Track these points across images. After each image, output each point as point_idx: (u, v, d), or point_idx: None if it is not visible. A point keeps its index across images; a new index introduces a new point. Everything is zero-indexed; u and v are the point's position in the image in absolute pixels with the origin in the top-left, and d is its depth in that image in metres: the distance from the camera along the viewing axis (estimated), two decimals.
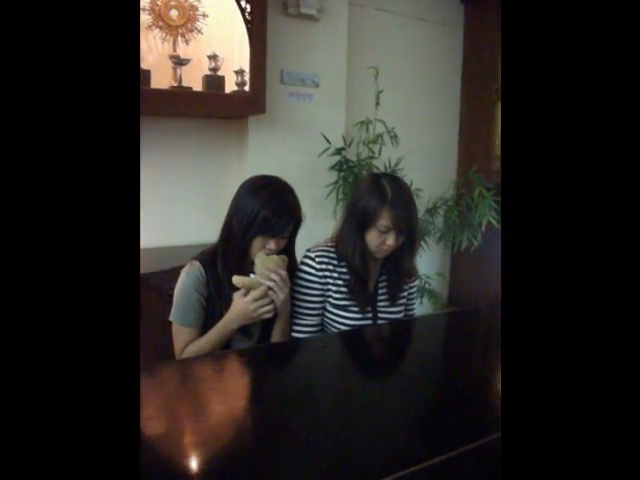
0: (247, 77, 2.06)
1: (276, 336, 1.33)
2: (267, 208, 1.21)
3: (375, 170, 2.40)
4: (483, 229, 2.16)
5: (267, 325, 1.31)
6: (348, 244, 1.28)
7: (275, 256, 1.23)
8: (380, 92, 2.36)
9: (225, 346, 1.29)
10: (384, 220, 1.23)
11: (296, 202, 1.29)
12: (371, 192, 1.26)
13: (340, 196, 2.41)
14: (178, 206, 2.30)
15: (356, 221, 1.27)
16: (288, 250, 1.32)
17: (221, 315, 1.27)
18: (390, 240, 1.24)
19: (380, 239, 1.25)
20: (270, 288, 1.19)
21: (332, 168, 2.41)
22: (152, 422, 0.76)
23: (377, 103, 2.38)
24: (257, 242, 1.24)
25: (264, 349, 1.26)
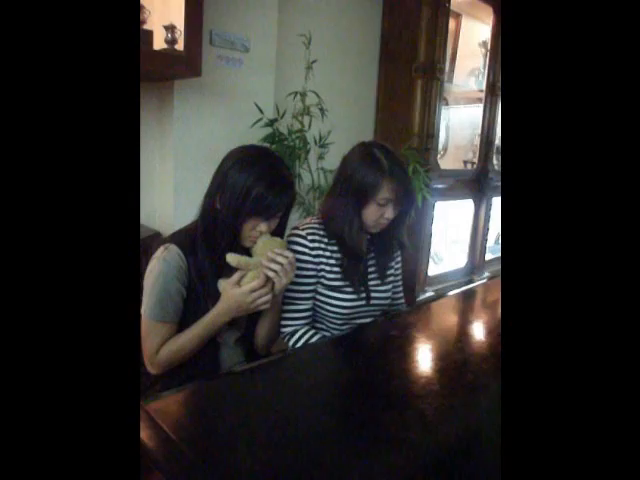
0: (178, 34, 1.83)
1: (265, 324, 1.22)
2: (261, 183, 1.06)
3: (308, 144, 2.33)
4: (420, 204, 2.22)
5: (255, 312, 1.17)
6: (344, 221, 1.19)
7: (278, 238, 1.11)
8: (313, 62, 2.28)
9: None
10: (384, 192, 1.17)
11: (291, 177, 1.15)
12: (366, 164, 1.19)
13: None
14: None
15: (352, 196, 1.19)
16: (279, 234, 1.19)
17: (206, 307, 1.12)
18: (388, 213, 1.19)
19: (379, 213, 1.19)
20: (272, 273, 1.07)
21: (264, 140, 2.28)
22: None
23: (307, 73, 2.29)
24: (249, 224, 1.09)
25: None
